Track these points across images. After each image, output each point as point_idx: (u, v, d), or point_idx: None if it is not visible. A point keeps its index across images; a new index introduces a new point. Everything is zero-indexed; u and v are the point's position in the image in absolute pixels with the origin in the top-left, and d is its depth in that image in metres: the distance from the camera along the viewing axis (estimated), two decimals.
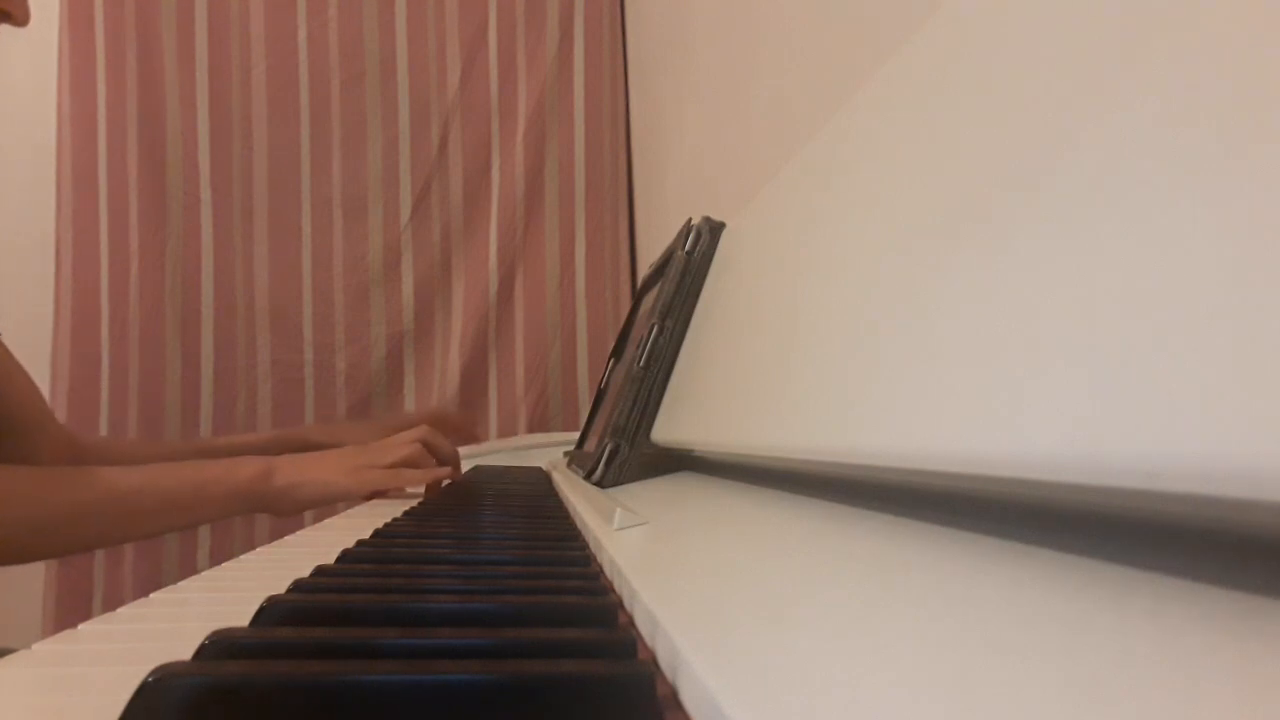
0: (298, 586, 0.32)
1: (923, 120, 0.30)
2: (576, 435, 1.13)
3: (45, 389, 1.60)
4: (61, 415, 1.59)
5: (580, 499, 0.56)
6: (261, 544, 0.51)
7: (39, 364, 1.59)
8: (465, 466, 1.18)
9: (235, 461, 0.82)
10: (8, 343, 0.89)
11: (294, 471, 0.82)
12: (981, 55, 0.27)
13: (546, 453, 1.35)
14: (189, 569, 1.63)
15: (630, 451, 0.61)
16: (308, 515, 0.98)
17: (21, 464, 0.95)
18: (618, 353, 1.00)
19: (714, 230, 0.67)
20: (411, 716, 0.20)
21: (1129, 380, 0.14)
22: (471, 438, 1.47)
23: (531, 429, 1.69)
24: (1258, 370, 0.12)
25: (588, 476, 0.63)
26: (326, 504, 0.83)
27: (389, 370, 1.73)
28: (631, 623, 0.28)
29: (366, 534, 0.50)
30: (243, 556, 0.46)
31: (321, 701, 0.20)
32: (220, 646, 0.23)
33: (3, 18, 0.75)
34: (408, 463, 0.83)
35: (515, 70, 1.74)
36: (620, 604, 0.31)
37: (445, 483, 0.90)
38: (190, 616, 0.32)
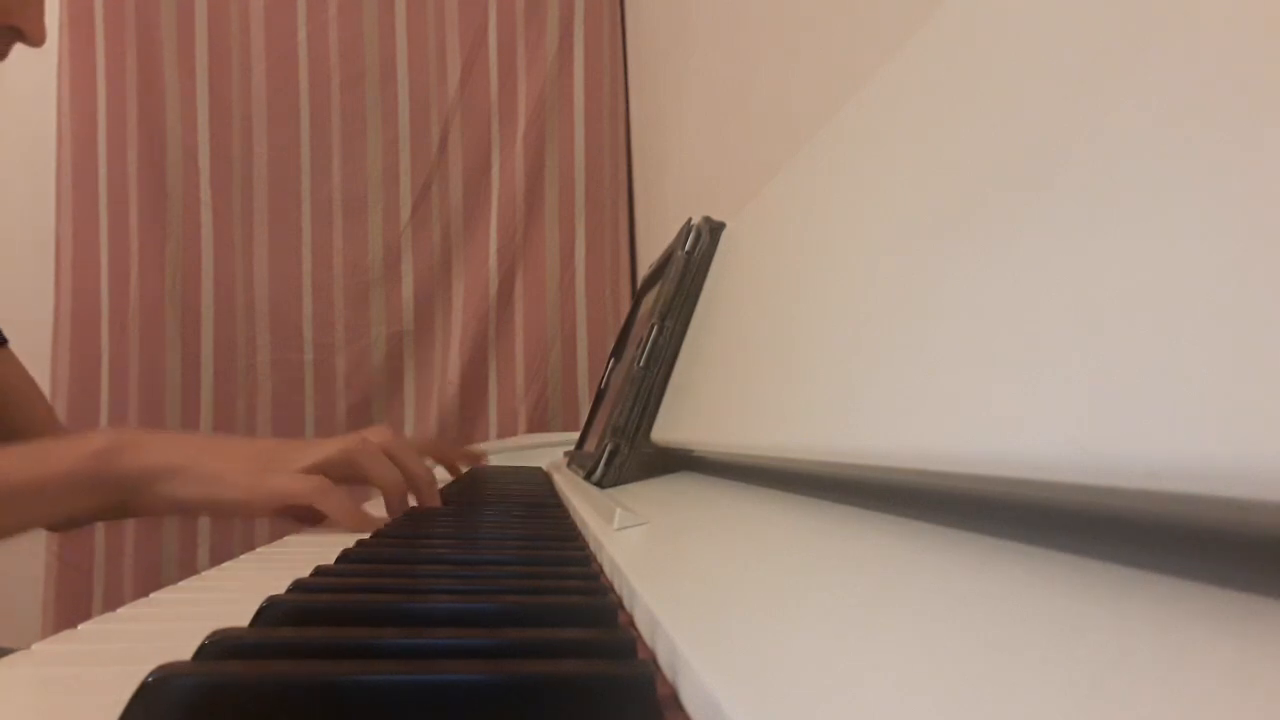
0: (298, 586, 0.32)
1: (923, 120, 0.30)
2: (576, 435, 1.13)
3: (45, 389, 1.60)
4: (61, 415, 1.59)
5: (580, 499, 0.56)
6: (261, 544, 0.51)
7: (39, 364, 1.59)
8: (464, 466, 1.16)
9: (73, 439, 0.56)
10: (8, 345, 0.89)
11: (162, 452, 0.54)
12: (982, 56, 0.27)
13: (546, 453, 1.35)
14: (189, 569, 1.63)
15: (630, 451, 0.61)
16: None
17: None
18: (618, 353, 1.00)
19: (714, 230, 0.67)
20: (411, 716, 0.20)
21: (1129, 379, 0.14)
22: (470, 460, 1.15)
23: (531, 429, 1.69)
24: (1258, 370, 0.12)
25: (588, 476, 0.63)
26: (213, 512, 0.55)
27: (389, 370, 1.72)
28: (631, 623, 0.28)
29: (367, 534, 0.50)
30: (243, 556, 0.46)
31: (321, 701, 0.20)
32: (220, 646, 0.23)
33: (18, 36, 0.73)
34: (330, 466, 0.56)
35: (515, 70, 1.73)
36: (620, 604, 0.31)
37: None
38: (190, 616, 0.32)
